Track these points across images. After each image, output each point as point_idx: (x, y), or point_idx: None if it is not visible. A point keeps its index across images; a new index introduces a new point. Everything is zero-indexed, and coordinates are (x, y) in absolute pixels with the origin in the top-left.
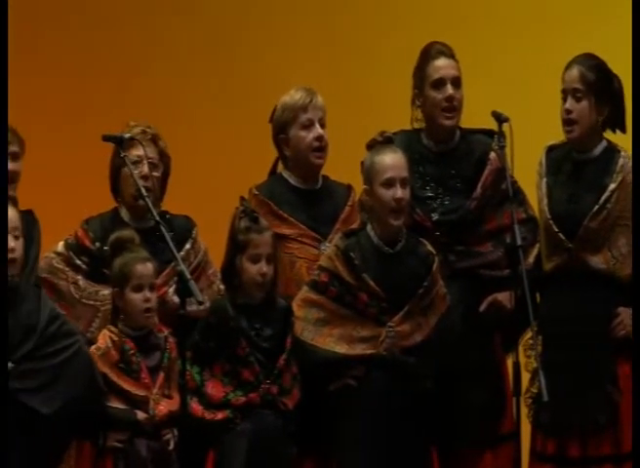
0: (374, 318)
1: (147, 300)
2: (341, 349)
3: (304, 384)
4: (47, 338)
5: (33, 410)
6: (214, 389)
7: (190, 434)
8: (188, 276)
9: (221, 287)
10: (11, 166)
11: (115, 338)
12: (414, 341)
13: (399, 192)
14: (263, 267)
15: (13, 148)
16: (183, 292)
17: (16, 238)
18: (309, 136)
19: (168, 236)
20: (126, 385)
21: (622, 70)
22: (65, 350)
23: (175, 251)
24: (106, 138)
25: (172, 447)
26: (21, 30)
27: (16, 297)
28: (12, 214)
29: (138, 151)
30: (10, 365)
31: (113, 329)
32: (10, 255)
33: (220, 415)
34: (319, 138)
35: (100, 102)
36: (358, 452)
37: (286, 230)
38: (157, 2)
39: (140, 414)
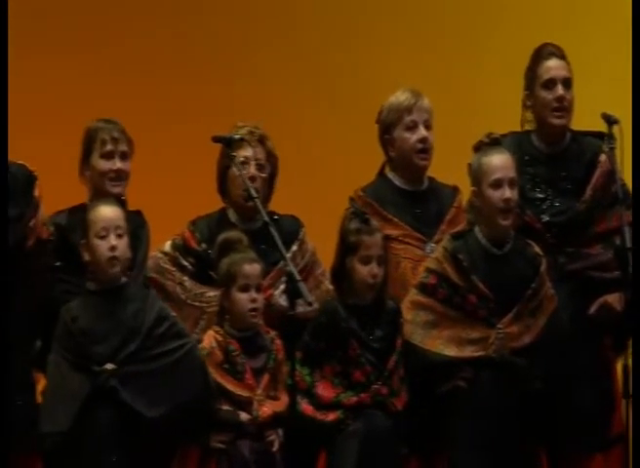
0: (483, 320)
1: (254, 301)
2: (451, 352)
3: (413, 386)
4: (154, 340)
5: (137, 413)
6: (324, 390)
7: (300, 434)
8: (297, 277)
9: (330, 287)
10: (120, 165)
11: (220, 339)
12: (522, 343)
13: (507, 193)
14: (374, 268)
15: (122, 148)
16: (293, 292)
17: (119, 236)
18: (413, 137)
19: (277, 237)
20: (230, 386)
21: None
22: (174, 352)
23: (284, 251)
24: (216, 139)
25: (276, 448)
26: (131, 31)
27: (121, 298)
28: (116, 212)
29: (245, 152)
30: (112, 366)
31: (219, 329)
32: (111, 253)
33: (331, 416)
34: (423, 140)
35: (209, 103)
36: (467, 454)
37: (391, 231)
38: (266, 2)
39: (244, 416)
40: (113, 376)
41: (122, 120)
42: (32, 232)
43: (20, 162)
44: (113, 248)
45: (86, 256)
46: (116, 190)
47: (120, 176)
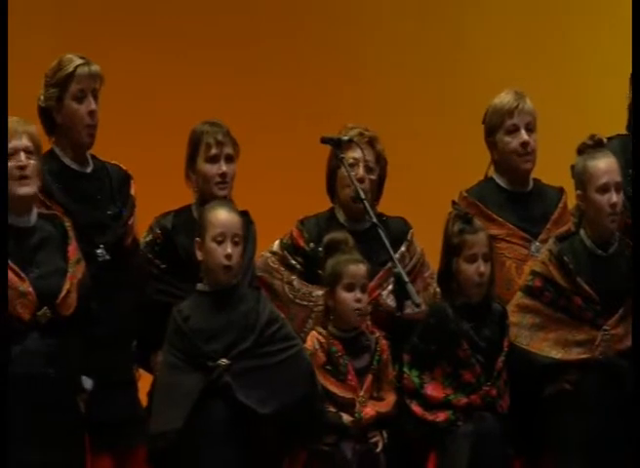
0: (589, 321)
1: (358, 301)
2: (557, 354)
3: (518, 388)
4: (265, 339)
5: (250, 409)
6: (434, 390)
7: (409, 435)
8: (406, 278)
9: (438, 289)
10: (225, 168)
11: (323, 340)
12: (628, 344)
13: (614, 197)
14: (481, 266)
15: (227, 151)
16: (400, 294)
17: (235, 244)
18: (514, 141)
19: (385, 238)
20: (332, 387)
21: None
22: (283, 352)
23: (392, 252)
24: (324, 141)
25: (379, 449)
26: (239, 33)
27: (233, 298)
28: (235, 219)
29: (355, 154)
30: (225, 361)
31: (321, 330)
32: (226, 262)
33: (441, 416)
34: (524, 144)
35: (318, 103)
36: (572, 455)
37: (495, 230)
38: (375, 4)
39: (346, 417)
40: (227, 372)
41: (230, 121)
42: (130, 231)
43: (113, 162)
44: (229, 256)
45: (199, 256)
46: (222, 193)
47: (225, 180)
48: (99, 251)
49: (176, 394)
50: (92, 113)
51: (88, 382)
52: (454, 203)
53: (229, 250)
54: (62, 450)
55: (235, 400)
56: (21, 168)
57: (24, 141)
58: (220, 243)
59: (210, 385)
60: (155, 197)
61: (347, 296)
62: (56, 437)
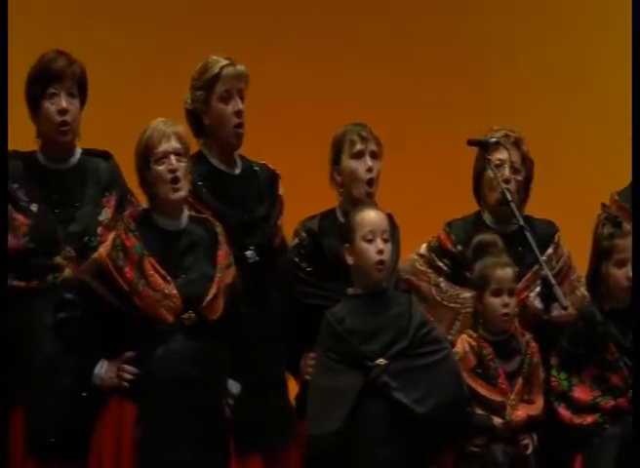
0: None
1: (506, 305)
2: None
3: None
4: (417, 341)
5: (407, 409)
6: (582, 393)
7: (557, 439)
8: (553, 281)
9: (585, 293)
10: (371, 163)
11: (473, 343)
12: None
13: None
14: (630, 271)
15: (371, 147)
16: (548, 296)
17: (385, 241)
18: None
19: (532, 240)
20: (482, 390)
21: None
22: (433, 354)
23: (539, 255)
24: (471, 143)
25: (530, 451)
26: (383, 33)
27: (384, 300)
28: (382, 217)
29: (501, 155)
30: (384, 361)
31: (471, 333)
32: (378, 257)
33: (589, 419)
34: None
35: (465, 104)
36: None
37: None
38: (526, 6)
39: (497, 420)
40: (384, 372)
41: (376, 123)
42: (279, 231)
43: (262, 162)
44: (381, 251)
45: (349, 260)
46: (370, 190)
47: (372, 177)
48: (248, 252)
49: (333, 395)
50: (238, 113)
51: (235, 386)
52: (603, 205)
53: (380, 246)
54: (202, 452)
55: (392, 399)
56: (173, 171)
57: (174, 143)
58: (370, 241)
59: (367, 385)
60: (301, 197)
61: (495, 302)
62: (196, 438)
